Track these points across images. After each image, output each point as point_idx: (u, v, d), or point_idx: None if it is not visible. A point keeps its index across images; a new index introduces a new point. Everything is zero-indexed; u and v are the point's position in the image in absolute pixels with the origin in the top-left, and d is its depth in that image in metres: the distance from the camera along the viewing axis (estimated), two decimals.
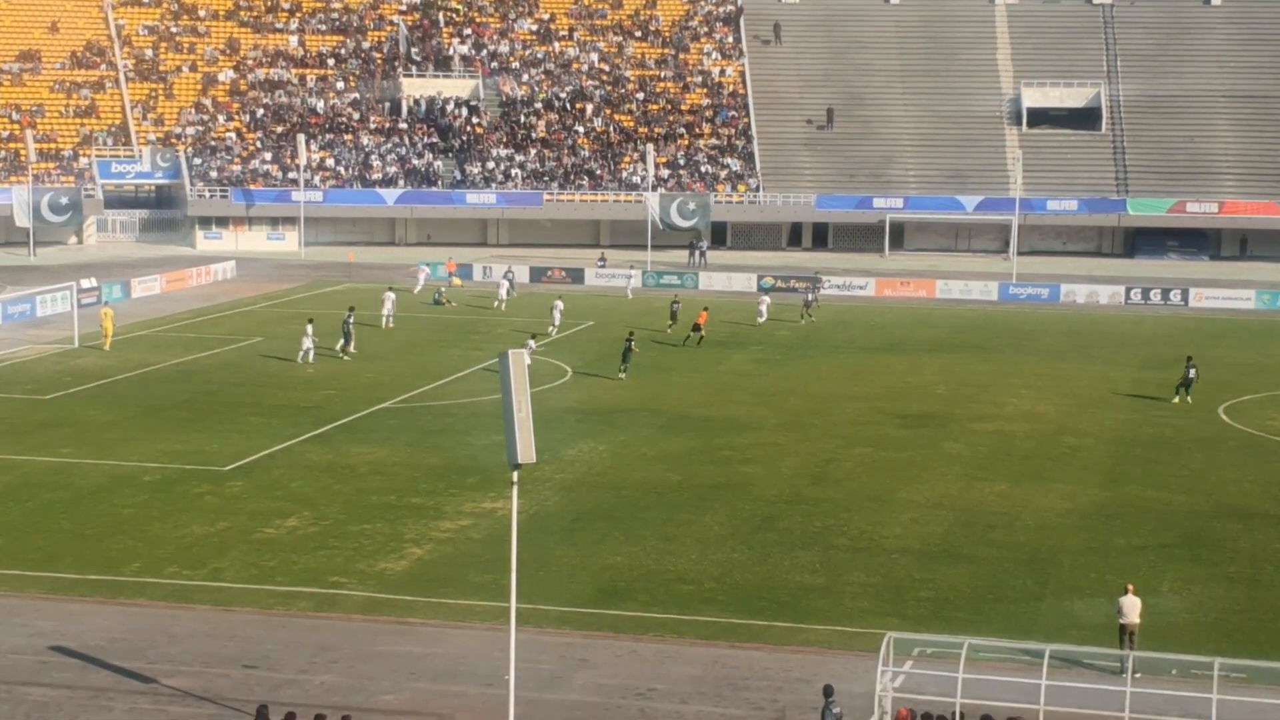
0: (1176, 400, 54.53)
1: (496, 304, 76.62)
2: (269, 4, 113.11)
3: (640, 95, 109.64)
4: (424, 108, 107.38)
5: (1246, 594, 33.81)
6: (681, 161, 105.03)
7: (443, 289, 79.49)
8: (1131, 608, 29.48)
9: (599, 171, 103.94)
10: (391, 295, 70.04)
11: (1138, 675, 27.77)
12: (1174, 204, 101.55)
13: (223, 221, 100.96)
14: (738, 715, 26.88)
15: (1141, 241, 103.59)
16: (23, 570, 34.08)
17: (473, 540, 36.74)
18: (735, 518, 38.94)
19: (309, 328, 59.86)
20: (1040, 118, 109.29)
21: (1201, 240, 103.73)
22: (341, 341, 61.20)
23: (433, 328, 69.41)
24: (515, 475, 24.36)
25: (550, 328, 67.41)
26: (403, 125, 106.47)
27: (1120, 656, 28.34)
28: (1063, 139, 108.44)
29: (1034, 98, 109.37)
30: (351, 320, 62.12)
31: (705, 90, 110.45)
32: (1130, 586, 30.22)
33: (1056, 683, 24.21)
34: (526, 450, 23.34)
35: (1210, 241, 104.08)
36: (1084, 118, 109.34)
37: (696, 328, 65.77)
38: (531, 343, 58.11)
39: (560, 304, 69.35)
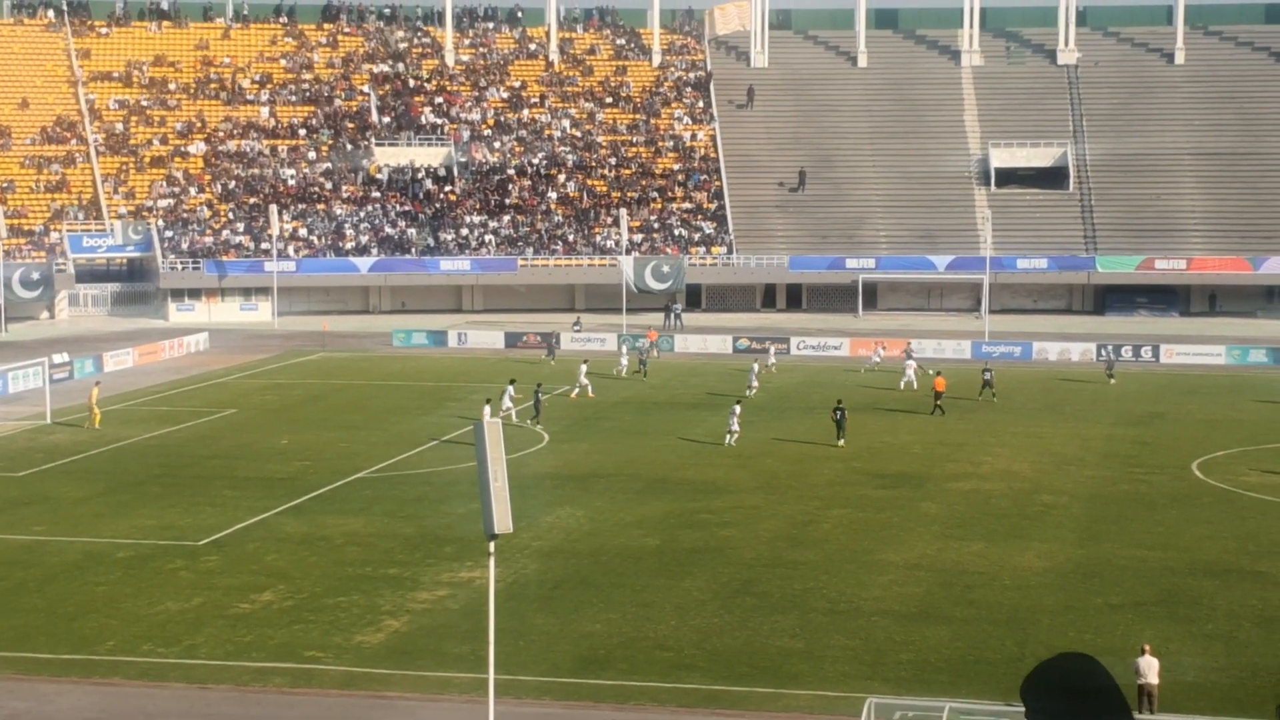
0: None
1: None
2: (239, 76, 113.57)
3: (613, 160, 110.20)
4: (396, 177, 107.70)
5: (1225, 652, 33.77)
6: (655, 225, 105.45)
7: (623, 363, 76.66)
8: (1150, 668, 29.20)
9: (572, 236, 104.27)
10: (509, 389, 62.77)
11: None
12: (1142, 261, 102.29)
13: (195, 293, 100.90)
14: None
15: (1112, 299, 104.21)
16: None
17: (450, 611, 36.54)
18: (714, 582, 38.81)
19: (510, 389, 60.91)
20: (1008, 177, 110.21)
21: (1171, 297, 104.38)
22: (534, 414, 61.33)
23: (410, 394, 69.21)
24: (492, 546, 24.24)
25: (748, 390, 68.00)
26: (375, 194, 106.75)
27: None
28: (1031, 198, 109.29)
29: (1002, 158, 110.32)
30: (541, 393, 62.84)
31: (677, 154, 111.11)
32: (1147, 646, 30.03)
33: None
34: (503, 520, 23.24)
35: (1179, 298, 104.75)
36: (1051, 177, 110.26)
37: (938, 395, 64.37)
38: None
39: (757, 367, 70.90)
